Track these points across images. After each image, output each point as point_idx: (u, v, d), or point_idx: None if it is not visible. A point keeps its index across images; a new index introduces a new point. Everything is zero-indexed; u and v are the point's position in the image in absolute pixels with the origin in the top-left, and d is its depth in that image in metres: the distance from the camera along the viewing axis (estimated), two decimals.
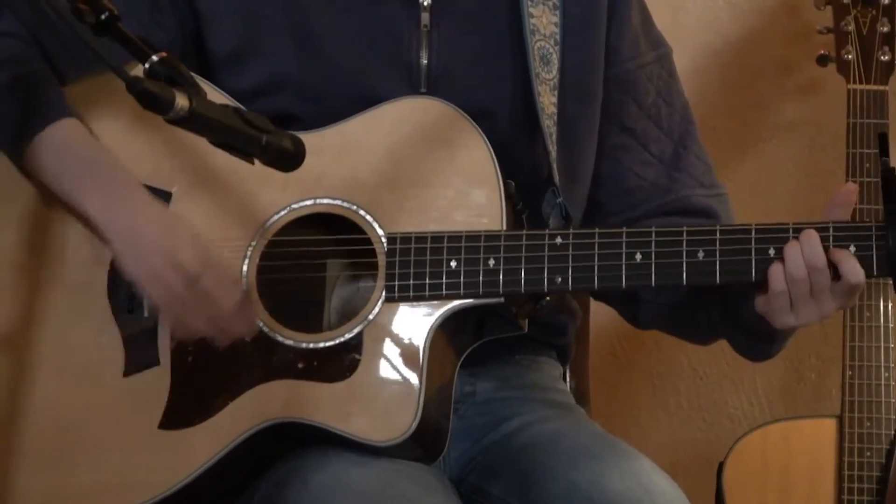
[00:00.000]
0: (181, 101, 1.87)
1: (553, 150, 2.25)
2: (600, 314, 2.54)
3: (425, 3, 2.24)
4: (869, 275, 2.09)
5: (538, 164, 2.27)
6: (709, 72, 3.31)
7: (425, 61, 2.24)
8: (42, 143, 2.15)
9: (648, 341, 3.35)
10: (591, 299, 2.49)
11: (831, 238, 2.09)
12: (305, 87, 2.23)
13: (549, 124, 2.25)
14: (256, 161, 1.98)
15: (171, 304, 2.09)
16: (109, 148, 2.20)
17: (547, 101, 2.25)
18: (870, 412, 2.96)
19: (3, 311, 2.20)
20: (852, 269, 2.08)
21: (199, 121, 1.89)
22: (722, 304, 2.23)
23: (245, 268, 2.17)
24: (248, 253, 2.17)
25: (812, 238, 2.08)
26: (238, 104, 2.14)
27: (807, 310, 2.11)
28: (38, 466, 2.16)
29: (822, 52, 3.09)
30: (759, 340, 2.24)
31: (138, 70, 1.92)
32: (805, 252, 2.08)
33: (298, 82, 2.23)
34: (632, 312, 2.35)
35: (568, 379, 2.48)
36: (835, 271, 2.09)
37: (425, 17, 2.24)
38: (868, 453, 2.96)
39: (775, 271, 2.09)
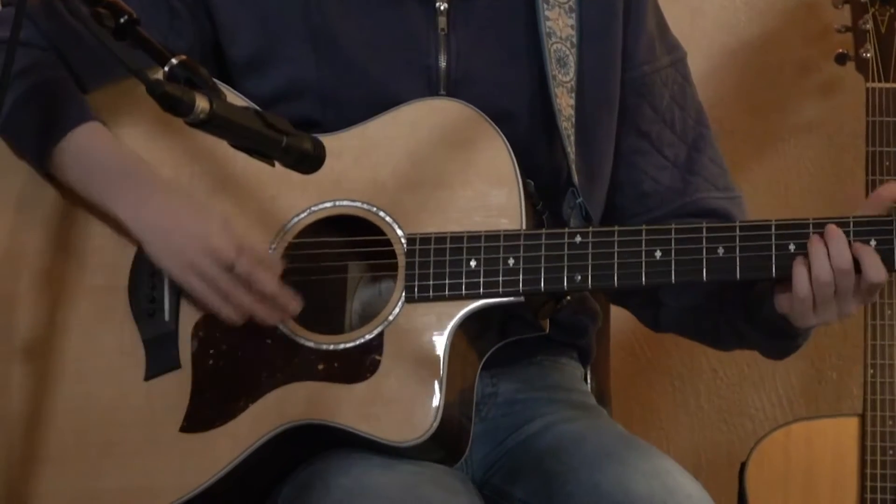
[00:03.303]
0: (201, 104, 1.87)
1: (571, 151, 2.25)
2: (620, 315, 2.54)
3: (442, 8, 2.25)
4: (890, 269, 2.09)
5: (557, 165, 2.27)
6: (727, 73, 3.31)
7: (444, 65, 2.24)
8: (66, 148, 2.17)
9: (668, 342, 3.35)
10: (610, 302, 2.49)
11: (851, 233, 2.09)
12: (325, 92, 2.23)
13: (566, 126, 2.25)
14: (277, 164, 1.98)
15: (213, 292, 2.11)
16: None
17: (564, 103, 2.25)
18: (892, 410, 2.95)
19: (26, 316, 2.21)
20: (874, 267, 2.07)
21: (220, 123, 1.90)
22: (744, 310, 2.23)
23: None
24: None
25: (837, 238, 2.07)
26: (257, 107, 2.15)
27: (829, 310, 2.11)
28: (62, 471, 2.17)
29: (841, 50, 3.08)
30: (784, 338, 2.23)
31: (158, 76, 1.92)
32: (832, 253, 2.07)
33: (318, 88, 2.24)
34: (651, 315, 2.35)
35: (589, 380, 2.48)
36: (856, 267, 2.08)
37: (442, 22, 2.25)
38: (891, 451, 2.95)
39: (800, 275, 2.08)
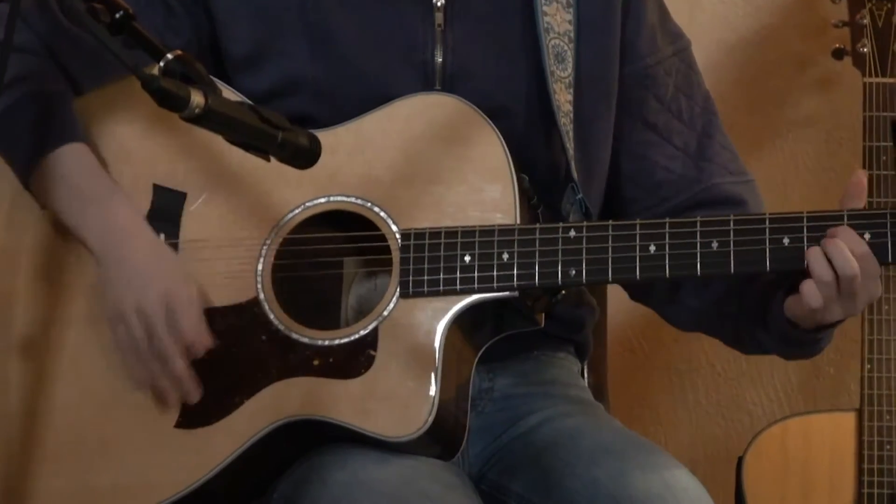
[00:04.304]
0: (197, 99, 1.87)
1: (570, 147, 2.25)
2: (618, 310, 2.54)
3: (439, 4, 2.25)
4: (884, 261, 2.09)
5: (555, 161, 2.27)
6: (724, 68, 3.31)
7: (440, 60, 2.24)
8: (47, 167, 2.16)
9: (666, 337, 3.35)
10: (617, 298, 2.48)
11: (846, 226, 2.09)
12: (321, 87, 2.23)
13: (565, 122, 2.25)
14: (272, 160, 1.98)
15: (130, 348, 2.12)
16: (126, 152, 2.21)
17: (562, 98, 2.25)
18: (889, 405, 2.96)
19: (23, 313, 2.21)
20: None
21: (215, 118, 1.90)
22: (760, 318, 2.22)
23: (260, 267, 2.17)
24: (263, 252, 2.18)
25: (845, 232, 2.07)
26: (252, 103, 2.15)
27: (837, 309, 2.10)
28: (58, 469, 2.17)
29: (838, 45, 3.08)
30: (802, 345, 2.23)
31: (154, 72, 1.92)
32: (850, 245, 2.06)
33: (314, 83, 2.24)
34: (673, 315, 2.35)
35: (586, 375, 2.48)
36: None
37: (439, 17, 2.25)
38: (888, 446, 2.95)
39: (809, 285, 2.08)
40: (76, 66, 2.22)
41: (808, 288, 2.08)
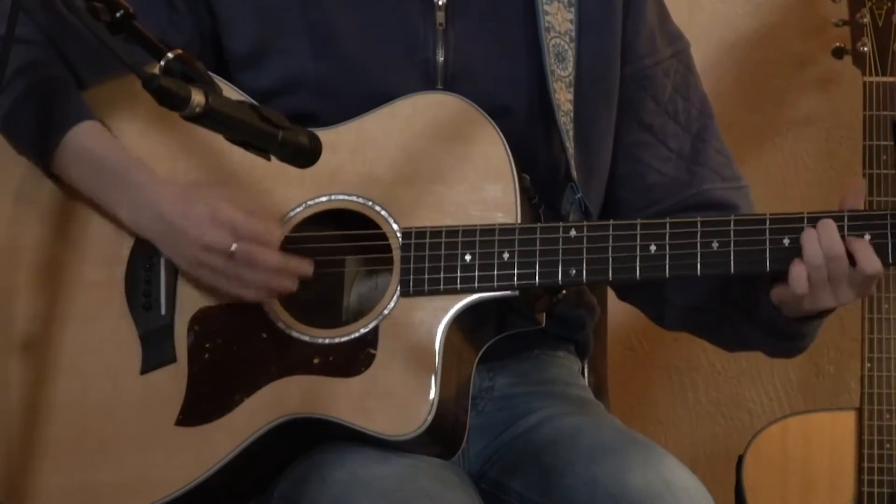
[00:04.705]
0: (197, 98, 1.87)
1: (570, 146, 2.25)
2: (618, 309, 2.54)
3: (440, 3, 2.25)
4: (884, 263, 2.09)
5: (555, 160, 2.27)
6: (724, 67, 3.31)
7: (441, 59, 2.24)
8: (65, 147, 2.18)
9: (666, 336, 3.35)
10: (616, 297, 2.49)
11: (846, 227, 2.10)
12: (322, 85, 2.24)
13: (565, 121, 2.25)
14: (273, 159, 1.98)
15: (225, 280, 2.13)
16: (127, 149, 2.21)
17: (563, 97, 2.25)
18: (889, 404, 2.96)
19: (24, 309, 2.21)
20: (868, 259, 2.08)
21: (215, 117, 1.90)
22: (745, 311, 2.23)
23: None
24: None
25: (829, 226, 2.08)
26: (254, 101, 2.16)
27: (823, 295, 2.11)
28: (60, 466, 2.17)
29: (838, 44, 3.08)
30: (787, 338, 2.24)
31: (155, 71, 1.92)
32: (822, 240, 2.08)
33: (315, 81, 2.24)
34: (658, 313, 2.35)
35: (586, 374, 2.48)
36: (851, 260, 2.09)
37: (440, 16, 2.25)
38: (888, 445, 2.95)
39: (795, 264, 2.09)
40: (79, 60, 2.22)
41: (797, 271, 2.08)
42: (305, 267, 2.14)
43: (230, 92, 2.19)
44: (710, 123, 2.37)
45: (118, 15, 1.92)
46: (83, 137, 2.18)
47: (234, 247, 2.11)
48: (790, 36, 3.31)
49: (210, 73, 1.95)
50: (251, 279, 2.13)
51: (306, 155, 1.98)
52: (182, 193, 2.17)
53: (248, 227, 2.13)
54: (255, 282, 2.13)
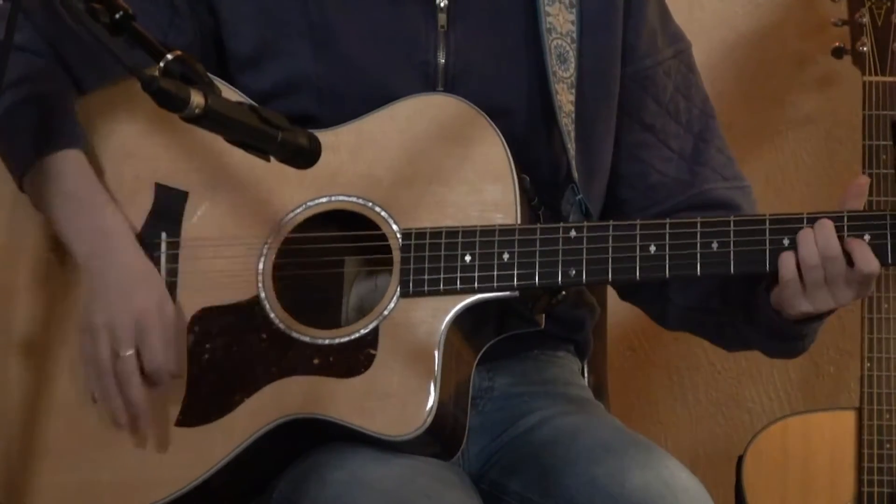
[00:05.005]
0: (196, 99, 1.87)
1: (571, 147, 2.25)
2: (618, 309, 2.54)
3: (442, 4, 2.25)
4: (884, 263, 2.09)
5: (556, 161, 2.27)
6: (724, 66, 3.31)
7: (442, 61, 2.24)
8: (42, 170, 2.16)
9: (666, 336, 3.35)
10: (617, 297, 2.49)
11: (846, 227, 2.10)
12: (323, 87, 2.24)
13: (566, 122, 2.25)
14: (273, 159, 1.99)
15: (93, 364, 2.13)
16: (127, 151, 2.21)
17: (564, 98, 2.25)
18: (889, 404, 2.95)
19: (24, 311, 2.21)
20: (865, 258, 2.08)
21: (215, 118, 1.90)
22: (745, 311, 2.23)
23: (261, 266, 2.18)
24: (264, 251, 2.18)
25: (826, 226, 2.08)
26: (253, 102, 2.16)
27: (821, 296, 2.11)
28: (60, 466, 2.17)
29: (838, 44, 3.08)
30: (786, 339, 2.24)
31: (155, 72, 1.92)
32: (819, 241, 2.08)
33: (316, 83, 2.24)
34: (659, 313, 2.35)
35: (586, 374, 2.48)
36: (849, 260, 2.09)
37: (442, 18, 2.25)
38: (887, 445, 2.95)
39: (786, 259, 2.09)
40: (79, 64, 2.22)
41: (785, 257, 2.08)
42: (143, 421, 2.12)
43: (230, 93, 2.18)
44: (712, 123, 2.37)
45: (117, 16, 1.91)
46: (62, 164, 2.16)
47: (127, 353, 2.11)
48: (790, 35, 3.31)
49: (210, 74, 1.95)
50: (106, 384, 2.12)
51: (305, 156, 1.98)
52: (143, 264, 2.15)
53: (155, 350, 2.11)
54: (107, 388, 2.12)
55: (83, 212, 2.16)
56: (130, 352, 2.11)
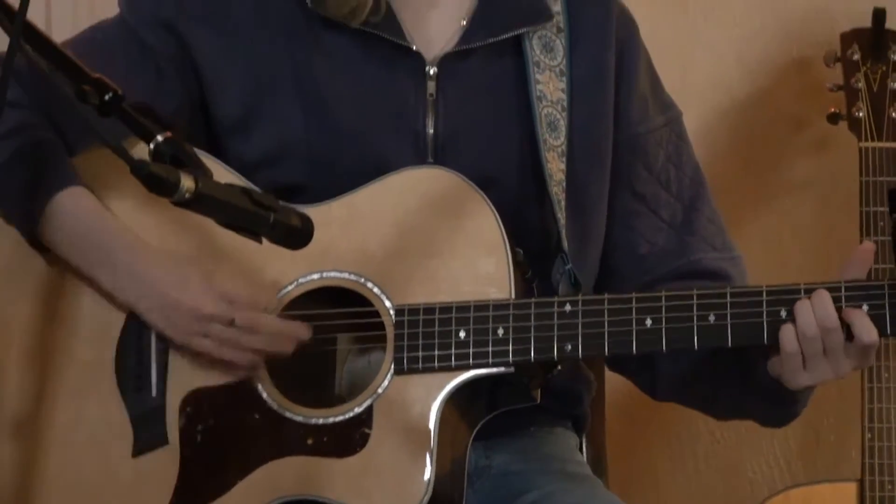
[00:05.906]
0: (187, 183, 1.86)
1: (562, 216, 2.24)
2: (617, 378, 2.52)
3: (431, 72, 2.24)
4: (883, 333, 2.07)
5: (547, 230, 2.26)
6: (719, 130, 3.30)
7: (431, 130, 2.23)
8: (51, 212, 2.16)
9: (665, 405, 3.32)
10: (606, 368, 2.48)
11: (843, 298, 2.08)
12: (313, 153, 2.23)
13: (557, 191, 2.24)
14: (264, 241, 1.97)
15: (224, 346, 2.12)
16: (116, 217, 2.20)
17: (555, 167, 2.24)
18: (891, 475, 2.93)
19: (14, 388, 2.19)
20: (865, 329, 2.06)
21: (205, 202, 1.88)
22: (739, 378, 2.21)
23: None
24: None
25: (823, 298, 2.07)
26: (246, 181, 2.15)
27: (821, 369, 2.09)
28: None
29: (833, 109, 3.07)
30: (781, 405, 2.22)
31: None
32: (817, 313, 2.07)
33: (307, 149, 2.23)
34: (648, 384, 2.34)
35: (584, 449, 2.46)
36: (848, 331, 2.07)
37: (431, 87, 2.24)
38: None
39: (786, 332, 2.08)
40: (67, 130, 2.21)
41: (786, 330, 2.07)
42: (304, 331, 2.13)
43: (221, 172, 2.17)
44: (703, 192, 2.36)
45: (107, 98, 1.91)
46: (71, 202, 2.17)
47: (236, 315, 2.11)
48: (785, 99, 3.30)
49: (201, 151, 1.94)
50: (250, 344, 2.12)
51: (298, 236, 1.97)
52: (174, 264, 2.15)
53: (246, 294, 2.12)
54: (254, 345, 2.12)
55: (103, 245, 2.16)
56: (237, 312, 2.11)
